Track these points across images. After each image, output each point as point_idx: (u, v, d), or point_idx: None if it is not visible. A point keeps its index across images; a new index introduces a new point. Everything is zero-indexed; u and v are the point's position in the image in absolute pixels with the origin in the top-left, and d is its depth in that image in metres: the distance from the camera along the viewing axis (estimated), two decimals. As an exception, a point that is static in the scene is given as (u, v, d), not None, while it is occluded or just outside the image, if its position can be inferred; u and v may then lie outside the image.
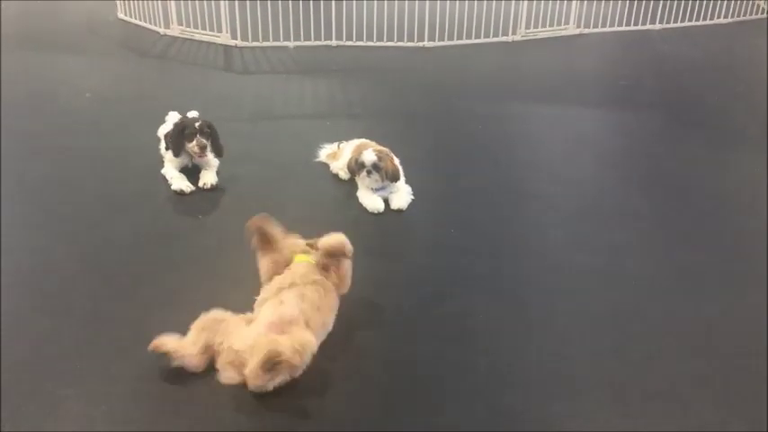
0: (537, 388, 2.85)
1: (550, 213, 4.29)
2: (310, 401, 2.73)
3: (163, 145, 4.71)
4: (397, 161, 4.37)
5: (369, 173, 4.24)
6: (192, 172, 4.55)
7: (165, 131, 4.73)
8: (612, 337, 3.17)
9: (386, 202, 4.26)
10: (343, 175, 4.58)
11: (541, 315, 3.32)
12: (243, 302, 2.99)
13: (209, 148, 4.46)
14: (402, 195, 4.30)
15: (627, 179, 4.81)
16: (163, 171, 4.54)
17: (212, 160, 4.59)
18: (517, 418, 2.69)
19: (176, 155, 4.51)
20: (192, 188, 4.41)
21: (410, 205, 4.27)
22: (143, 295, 3.38)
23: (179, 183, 4.41)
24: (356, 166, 4.32)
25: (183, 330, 3.09)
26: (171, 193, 4.39)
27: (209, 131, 4.46)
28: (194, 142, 4.42)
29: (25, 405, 2.67)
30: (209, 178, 4.47)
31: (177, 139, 4.47)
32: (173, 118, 5.07)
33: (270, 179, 4.63)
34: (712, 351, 3.09)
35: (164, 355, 2.80)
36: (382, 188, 4.30)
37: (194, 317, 3.19)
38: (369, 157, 4.25)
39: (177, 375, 2.83)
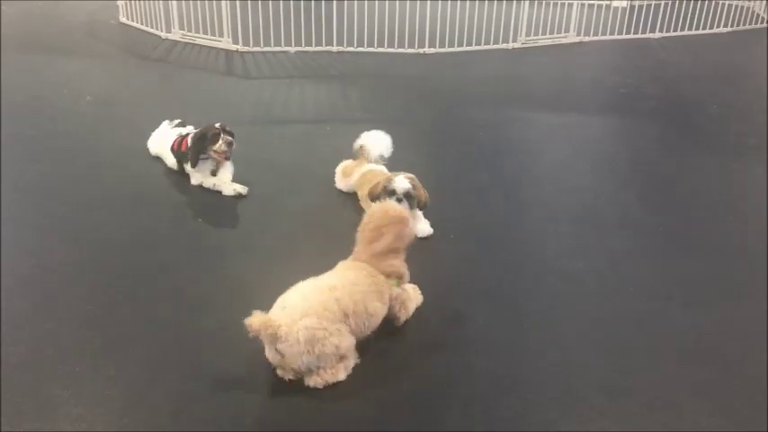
0: (534, 394, 2.85)
1: (550, 219, 4.30)
2: (305, 404, 2.74)
3: (172, 160, 4.72)
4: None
5: (399, 201, 3.82)
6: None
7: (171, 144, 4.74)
8: (610, 344, 3.17)
9: None
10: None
11: (540, 321, 3.32)
12: (243, 306, 2.98)
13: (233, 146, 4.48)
14: (422, 221, 4.07)
15: (626, 186, 4.82)
16: (196, 183, 4.55)
17: (229, 165, 4.60)
18: (514, 423, 2.69)
19: (194, 165, 4.49)
20: (247, 188, 4.47)
21: (408, 211, 4.26)
22: (142, 297, 3.38)
23: (229, 186, 4.45)
24: (384, 193, 3.90)
25: (182, 332, 3.12)
26: (169, 196, 4.41)
27: (230, 131, 4.47)
28: (221, 141, 4.40)
29: (24, 406, 2.67)
30: (237, 187, 4.48)
31: (197, 149, 4.45)
32: (165, 127, 5.07)
33: (270, 183, 4.63)
34: (711, 358, 3.09)
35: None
36: None
37: (192, 318, 3.22)
38: (402, 184, 3.88)
39: (175, 378, 2.84)
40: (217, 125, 4.44)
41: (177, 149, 4.64)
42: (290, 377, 2.81)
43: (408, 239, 3.18)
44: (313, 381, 2.79)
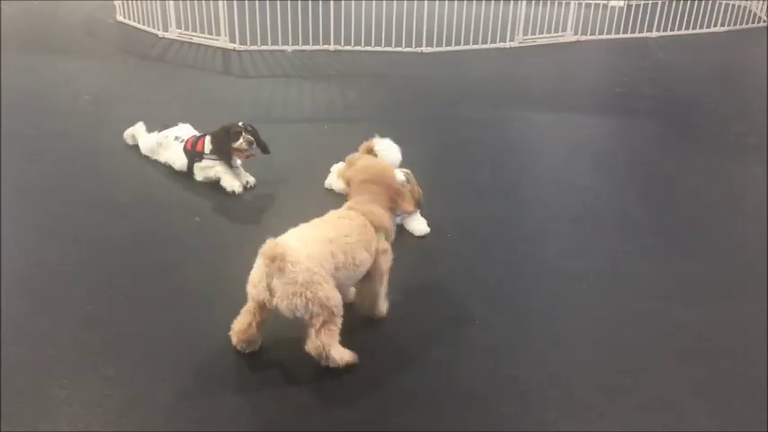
0: (534, 393, 2.85)
1: (548, 219, 4.30)
2: (305, 404, 2.73)
3: (183, 160, 4.66)
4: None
5: None
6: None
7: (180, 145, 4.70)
8: (609, 344, 3.17)
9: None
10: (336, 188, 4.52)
11: (539, 321, 3.32)
12: (242, 305, 2.97)
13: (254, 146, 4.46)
14: (419, 220, 4.09)
15: (625, 186, 4.82)
16: (201, 179, 4.57)
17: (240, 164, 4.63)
18: (513, 423, 2.69)
19: (229, 160, 4.50)
20: (242, 188, 4.49)
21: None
22: (140, 297, 3.37)
23: (231, 181, 4.46)
24: None
25: (181, 332, 3.11)
26: (167, 195, 4.40)
27: (252, 129, 4.46)
28: (241, 139, 4.38)
29: (22, 406, 2.66)
30: (245, 177, 4.55)
31: (225, 143, 4.44)
32: (140, 128, 5.05)
33: (267, 182, 4.62)
34: (710, 358, 3.09)
35: None
36: (397, 213, 3.98)
37: (192, 318, 3.21)
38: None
39: (173, 378, 2.83)
40: (240, 123, 4.44)
41: (191, 149, 4.60)
42: (241, 344, 2.89)
43: (396, 197, 3.26)
44: (310, 345, 2.77)
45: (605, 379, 2.94)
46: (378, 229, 3.11)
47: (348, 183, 3.31)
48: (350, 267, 2.91)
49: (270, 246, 2.66)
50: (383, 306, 3.22)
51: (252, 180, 4.57)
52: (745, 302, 3.51)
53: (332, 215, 3.12)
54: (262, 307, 2.82)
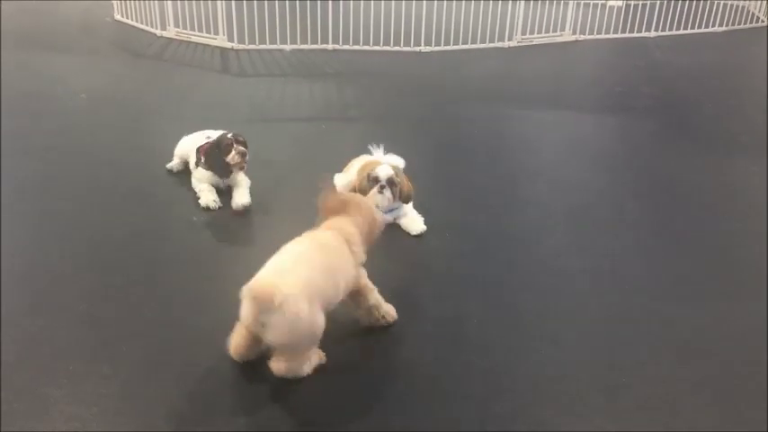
0: (530, 392, 2.84)
1: (546, 218, 4.29)
2: (300, 403, 2.73)
3: (193, 159, 4.48)
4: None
5: (382, 188, 3.90)
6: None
7: (198, 145, 4.48)
8: (607, 342, 3.17)
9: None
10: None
11: (535, 319, 3.32)
12: (239, 305, 2.96)
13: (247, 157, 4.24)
14: (415, 219, 4.08)
15: (622, 185, 4.82)
16: (195, 186, 4.40)
17: (245, 179, 4.39)
18: (510, 421, 2.69)
19: (223, 175, 4.30)
20: (220, 204, 4.24)
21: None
22: (137, 295, 3.36)
23: (207, 196, 4.25)
24: (368, 183, 3.94)
25: (178, 331, 3.10)
26: (164, 194, 4.38)
27: (243, 140, 4.26)
28: (233, 152, 4.18)
29: (17, 405, 2.65)
30: (241, 198, 4.24)
31: (217, 157, 4.25)
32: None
33: (265, 182, 4.60)
34: (709, 356, 3.09)
35: None
36: (391, 210, 4.03)
37: (188, 317, 3.20)
38: (384, 171, 3.93)
39: (169, 377, 2.82)
40: (229, 135, 4.25)
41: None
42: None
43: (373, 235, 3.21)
44: (277, 367, 2.74)
45: (603, 378, 2.94)
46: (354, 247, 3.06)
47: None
48: (334, 290, 2.87)
49: (258, 288, 2.59)
50: (390, 310, 3.18)
51: (247, 201, 4.25)
52: (744, 300, 3.51)
53: (314, 236, 3.02)
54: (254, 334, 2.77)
